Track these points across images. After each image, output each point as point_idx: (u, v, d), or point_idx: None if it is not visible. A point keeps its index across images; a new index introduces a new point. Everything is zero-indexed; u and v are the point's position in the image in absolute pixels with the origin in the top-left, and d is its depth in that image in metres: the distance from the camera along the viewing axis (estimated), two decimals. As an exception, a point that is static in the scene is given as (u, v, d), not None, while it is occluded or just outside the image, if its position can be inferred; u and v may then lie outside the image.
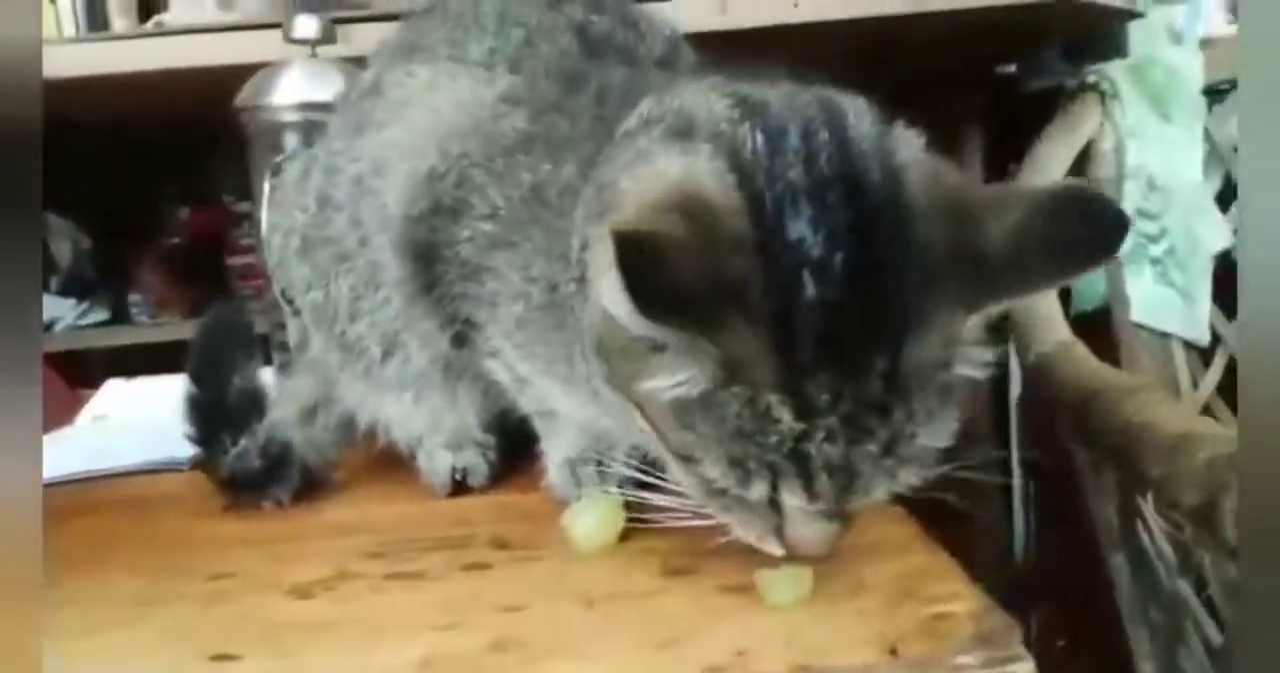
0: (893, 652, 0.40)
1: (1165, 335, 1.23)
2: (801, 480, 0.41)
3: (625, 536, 0.53)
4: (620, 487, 0.54)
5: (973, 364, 0.42)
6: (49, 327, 1.44)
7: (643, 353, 0.42)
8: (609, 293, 0.38)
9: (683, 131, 0.44)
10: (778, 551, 0.44)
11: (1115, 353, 1.17)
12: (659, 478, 0.49)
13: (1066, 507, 1.01)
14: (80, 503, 0.69)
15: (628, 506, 0.53)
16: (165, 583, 0.54)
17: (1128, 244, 1.20)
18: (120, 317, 1.49)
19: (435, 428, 0.64)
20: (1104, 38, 1.31)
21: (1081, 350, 0.99)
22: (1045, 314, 1.04)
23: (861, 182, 0.41)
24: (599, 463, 0.56)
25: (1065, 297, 1.18)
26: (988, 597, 0.44)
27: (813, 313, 0.39)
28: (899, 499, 0.53)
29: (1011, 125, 1.28)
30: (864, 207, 0.40)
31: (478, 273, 0.53)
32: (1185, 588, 0.82)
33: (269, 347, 0.83)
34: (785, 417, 0.40)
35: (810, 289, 0.39)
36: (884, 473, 0.41)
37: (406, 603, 0.50)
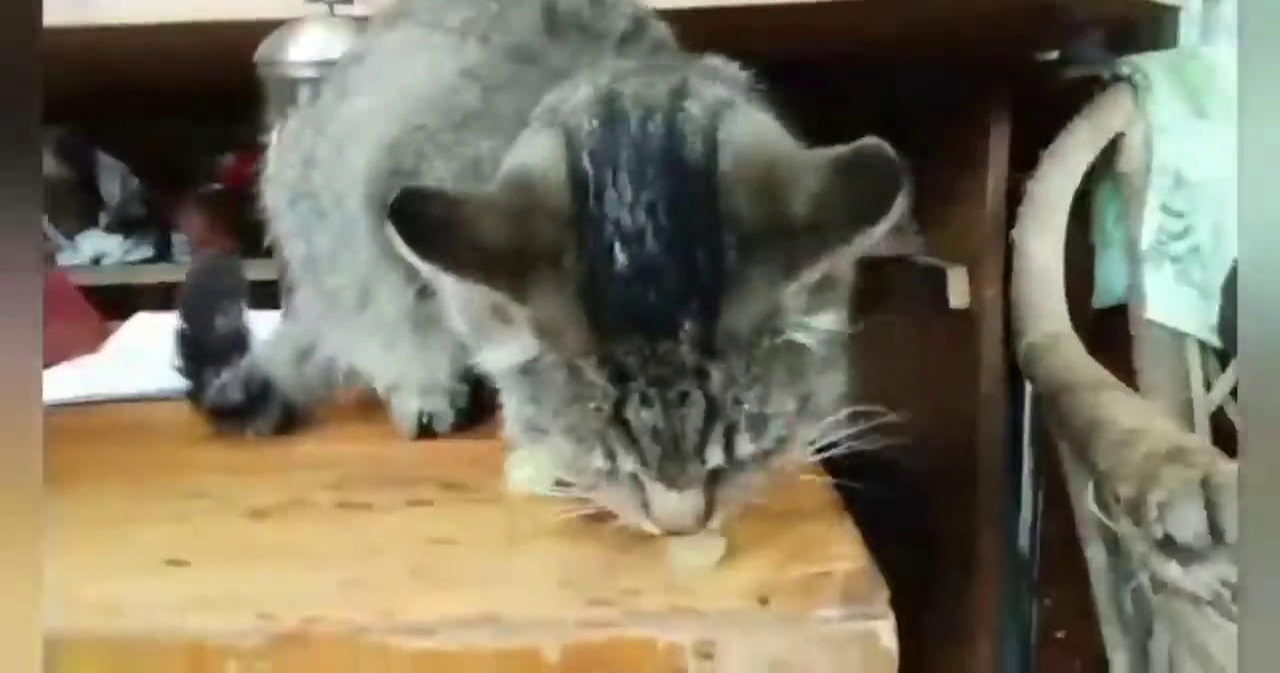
0: (763, 601, 0.44)
1: (1181, 334, 1.22)
2: (632, 446, 0.43)
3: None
4: None
5: (807, 331, 0.44)
6: (97, 261, 1.52)
7: (487, 325, 0.45)
8: (393, 239, 0.43)
9: (552, 118, 0.47)
10: (650, 528, 0.46)
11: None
12: None
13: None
14: (89, 425, 0.75)
15: None
16: (145, 501, 0.59)
17: (1148, 240, 1.20)
18: (163, 255, 1.57)
19: (407, 375, 0.68)
20: (1149, 28, 1.29)
21: (1068, 343, 0.99)
22: (1038, 304, 1.04)
23: (681, 160, 0.44)
24: None
25: (1084, 290, 1.17)
26: (871, 562, 0.47)
27: (621, 280, 0.42)
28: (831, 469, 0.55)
29: (1047, 112, 1.26)
30: (678, 183, 0.43)
31: None
32: (1147, 581, 0.83)
33: (279, 289, 0.88)
34: (599, 381, 0.42)
35: (620, 259, 0.42)
36: (714, 441, 0.43)
37: (347, 531, 0.54)
